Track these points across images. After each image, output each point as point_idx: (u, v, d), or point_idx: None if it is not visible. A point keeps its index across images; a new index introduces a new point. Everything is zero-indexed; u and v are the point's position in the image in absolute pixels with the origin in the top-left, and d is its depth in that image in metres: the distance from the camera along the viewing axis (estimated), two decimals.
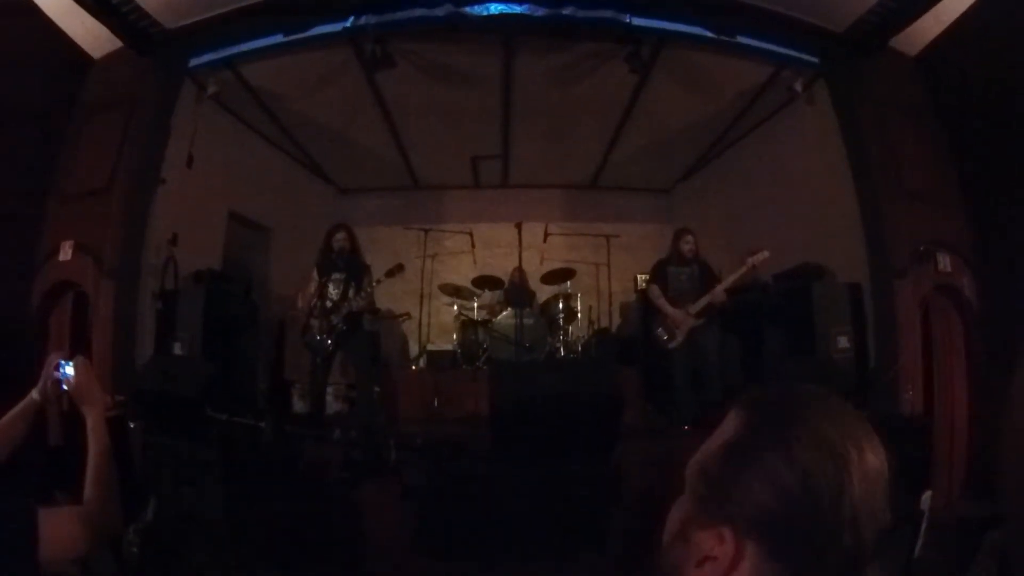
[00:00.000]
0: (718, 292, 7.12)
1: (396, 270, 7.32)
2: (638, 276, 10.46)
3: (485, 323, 9.53)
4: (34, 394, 2.51)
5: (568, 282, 10.08)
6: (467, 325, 9.70)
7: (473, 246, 10.79)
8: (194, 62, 7.44)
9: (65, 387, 2.48)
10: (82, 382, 2.47)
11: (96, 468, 2.32)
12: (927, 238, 6.78)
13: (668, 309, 7.30)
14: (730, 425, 1.18)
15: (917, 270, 6.71)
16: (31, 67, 6.60)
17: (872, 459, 1.09)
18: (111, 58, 7.27)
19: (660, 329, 7.38)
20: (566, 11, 6.81)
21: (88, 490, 2.28)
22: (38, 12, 6.43)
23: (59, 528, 2.12)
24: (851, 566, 1.06)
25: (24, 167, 6.85)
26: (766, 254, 7.14)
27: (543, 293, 10.34)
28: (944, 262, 6.78)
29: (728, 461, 1.13)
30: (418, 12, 6.88)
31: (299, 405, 8.22)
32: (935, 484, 5.47)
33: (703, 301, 7.17)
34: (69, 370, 2.48)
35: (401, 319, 10.46)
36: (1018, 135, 6.11)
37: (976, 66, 6.57)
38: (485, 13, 6.83)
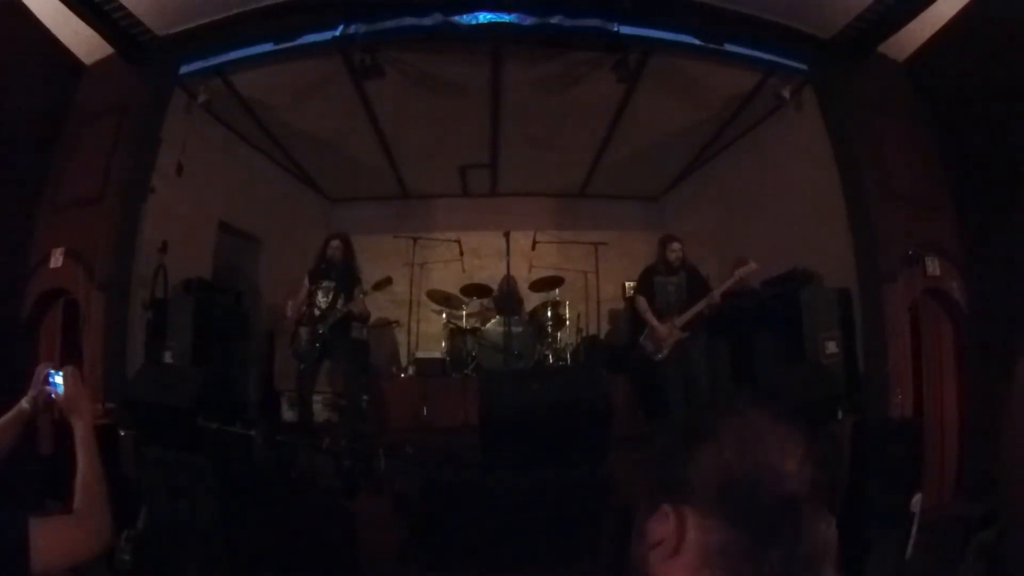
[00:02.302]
0: (704, 305, 7.15)
1: (384, 283, 7.35)
2: (626, 283, 10.44)
3: (474, 331, 9.53)
4: (24, 403, 2.51)
5: (557, 290, 10.08)
6: (456, 333, 9.70)
7: (462, 254, 10.77)
8: (184, 70, 7.43)
9: (54, 397, 2.48)
10: (71, 392, 2.46)
11: (85, 478, 2.31)
12: (916, 242, 6.81)
13: (654, 322, 7.31)
14: (663, 441, 1.25)
15: (906, 274, 6.74)
16: (23, 73, 6.60)
17: (787, 431, 1.12)
18: (103, 65, 7.26)
19: (647, 342, 7.39)
20: (554, 20, 6.83)
21: (78, 500, 2.26)
22: (30, 17, 6.42)
23: (50, 537, 2.11)
24: (797, 515, 1.07)
25: (15, 174, 6.83)
26: (754, 266, 7.16)
27: (532, 301, 10.33)
28: (933, 266, 6.81)
29: (662, 461, 1.19)
30: (407, 21, 6.88)
31: (289, 414, 8.21)
32: (925, 486, 5.49)
33: (688, 315, 7.18)
34: (58, 380, 2.48)
35: (392, 326, 10.47)
36: (1007, 138, 6.15)
37: (965, 70, 6.61)
38: (474, 22, 6.85)
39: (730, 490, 1.08)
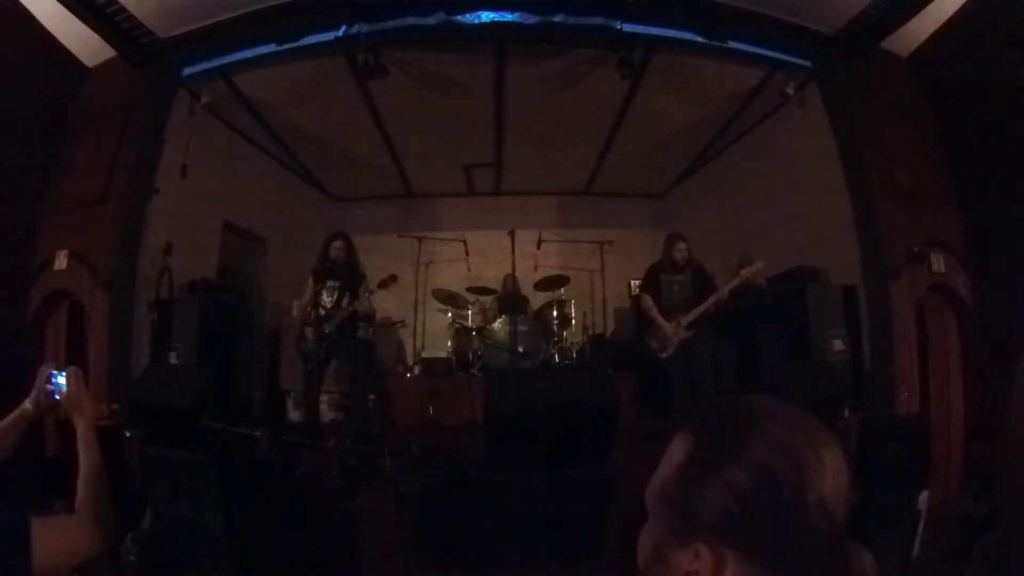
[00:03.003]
0: (710, 304, 7.14)
1: (389, 281, 7.35)
2: (632, 282, 10.43)
3: (479, 330, 9.51)
4: (27, 404, 2.52)
5: (562, 288, 10.07)
6: (461, 332, 9.70)
7: (467, 254, 10.83)
8: (187, 71, 7.44)
9: (57, 397, 2.49)
10: (73, 392, 2.47)
11: (87, 478, 2.32)
12: (921, 239, 6.80)
13: (660, 321, 7.31)
14: (680, 447, 1.20)
15: (911, 271, 6.72)
16: (27, 76, 6.61)
17: (825, 449, 1.10)
18: (106, 67, 7.29)
19: (652, 340, 7.38)
20: (557, 18, 6.83)
21: (79, 500, 2.27)
22: (33, 21, 6.44)
23: (52, 538, 2.12)
24: (828, 543, 1.07)
25: (19, 176, 6.85)
26: (760, 265, 7.15)
27: (537, 300, 10.32)
28: (938, 262, 6.80)
29: (686, 481, 1.15)
30: (410, 21, 6.89)
31: (295, 414, 8.21)
32: (931, 484, 5.47)
33: (694, 314, 7.18)
34: (61, 380, 2.49)
35: (397, 326, 10.48)
36: (1011, 134, 6.13)
37: (969, 66, 6.58)
38: (477, 21, 6.85)
39: (776, 540, 1.07)
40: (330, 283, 7.26)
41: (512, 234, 9.35)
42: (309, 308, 7.22)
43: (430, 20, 6.86)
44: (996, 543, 2.93)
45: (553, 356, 9.49)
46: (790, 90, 7.65)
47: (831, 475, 1.08)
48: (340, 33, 7.02)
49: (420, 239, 10.39)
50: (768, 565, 1.06)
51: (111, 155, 7.05)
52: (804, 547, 1.05)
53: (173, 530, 4.83)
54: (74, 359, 6.55)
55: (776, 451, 1.08)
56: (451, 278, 10.80)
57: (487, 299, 10.30)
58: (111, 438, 5.26)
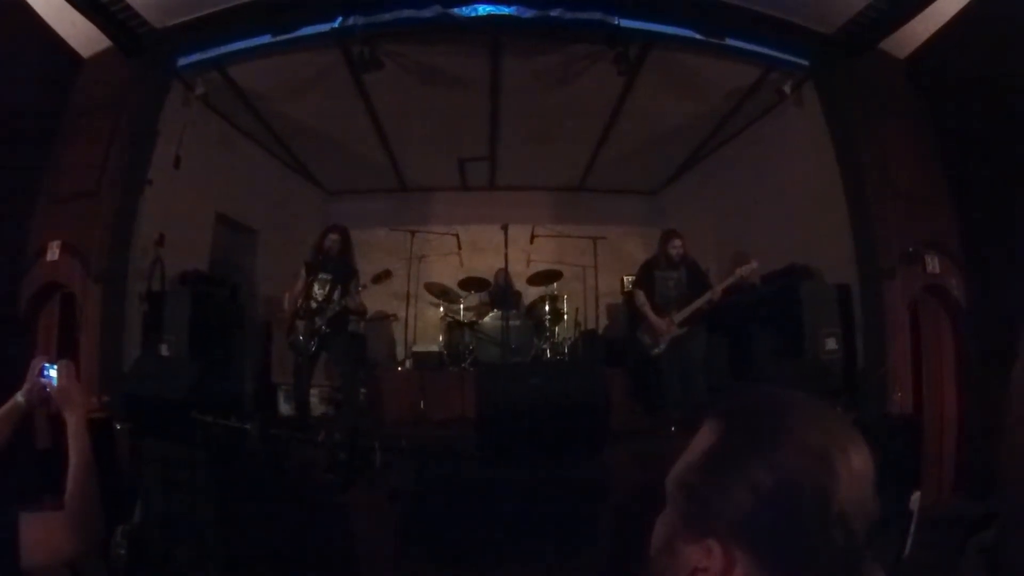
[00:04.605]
0: (703, 302, 7.14)
1: (383, 276, 7.32)
2: (625, 278, 10.45)
3: (471, 325, 9.51)
4: (18, 397, 2.49)
5: (555, 284, 10.06)
6: (453, 327, 9.68)
7: (460, 248, 10.81)
8: (182, 62, 7.41)
9: (48, 390, 2.47)
10: (64, 385, 2.46)
11: (77, 471, 2.30)
12: (916, 239, 6.80)
13: (652, 317, 7.32)
14: (707, 436, 1.15)
15: (906, 271, 6.72)
16: (21, 66, 6.57)
17: (856, 456, 1.07)
18: (100, 58, 7.23)
19: (644, 336, 7.39)
20: (554, 12, 6.81)
21: (68, 496, 2.25)
22: (28, 10, 6.39)
23: (41, 533, 2.11)
24: (845, 561, 1.04)
25: (12, 167, 6.80)
26: (755, 265, 7.17)
27: (530, 295, 10.34)
28: (933, 263, 6.79)
29: (709, 473, 1.11)
30: (406, 13, 6.87)
31: (285, 407, 8.19)
32: (924, 484, 5.48)
33: (687, 311, 7.19)
34: (53, 373, 2.47)
35: (389, 320, 10.47)
36: (1008, 135, 6.13)
37: (966, 69, 6.58)
38: (473, 14, 6.83)
39: (792, 549, 1.04)
40: (322, 276, 7.24)
41: (505, 228, 9.31)
42: (300, 300, 7.20)
43: (426, 13, 6.84)
44: (990, 541, 2.93)
45: (545, 351, 9.48)
46: (787, 89, 7.66)
47: (857, 488, 1.05)
48: (336, 25, 6.99)
49: (413, 233, 10.35)
50: (778, 572, 1.04)
51: (104, 146, 7.00)
52: (819, 561, 1.03)
53: (163, 524, 4.82)
54: (66, 351, 6.52)
55: (807, 456, 1.04)
56: (444, 272, 10.79)
57: (480, 293, 10.28)
58: (102, 431, 5.24)
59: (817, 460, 1.04)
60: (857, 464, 1.06)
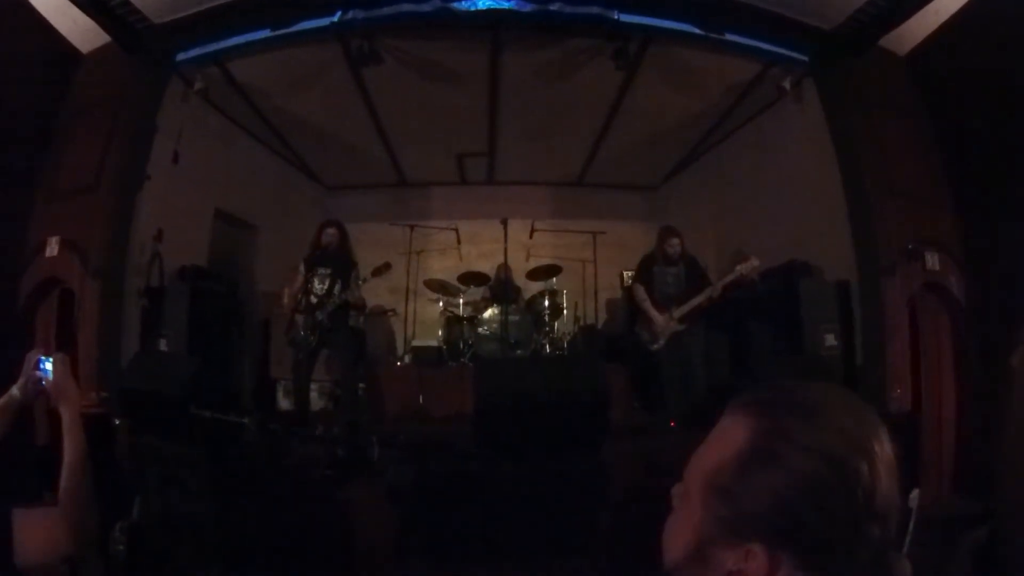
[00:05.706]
0: (703, 298, 7.13)
1: (383, 269, 7.29)
2: (624, 273, 10.44)
3: (471, 319, 9.50)
4: (14, 390, 2.48)
5: (554, 278, 10.06)
6: (452, 321, 9.67)
7: (459, 243, 10.85)
8: (181, 57, 7.39)
9: (44, 384, 2.46)
10: (59, 379, 2.44)
11: (71, 468, 2.29)
12: (915, 236, 6.78)
13: (652, 312, 7.31)
14: (737, 433, 1.10)
15: (905, 268, 6.70)
16: (20, 62, 6.56)
17: (888, 446, 1.05)
18: (99, 53, 7.22)
19: (643, 331, 7.38)
20: (553, 7, 6.79)
21: (62, 491, 2.25)
22: (28, 6, 6.38)
23: (35, 529, 2.10)
24: (878, 554, 1.03)
25: (11, 163, 6.80)
26: (756, 263, 7.14)
27: (529, 289, 10.33)
28: (932, 260, 6.78)
29: (745, 470, 1.06)
30: (406, 7, 6.85)
31: (284, 402, 8.19)
32: (923, 482, 5.47)
33: (687, 307, 7.18)
34: (48, 366, 2.46)
35: (388, 314, 10.47)
36: (1008, 133, 6.13)
37: (966, 66, 6.57)
38: (473, 8, 6.82)
39: (836, 542, 1.02)
40: (321, 270, 7.22)
41: (505, 223, 9.30)
42: (299, 295, 7.19)
43: (425, 7, 6.83)
44: (982, 539, 2.93)
45: (544, 346, 9.48)
46: (787, 85, 7.64)
47: (890, 480, 1.03)
48: (335, 19, 6.97)
49: (412, 227, 10.34)
50: (820, 572, 1.02)
51: (103, 142, 6.99)
52: (858, 556, 1.02)
53: (162, 520, 4.81)
54: (65, 347, 6.51)
55: (853, 451, 1.02)
56: (443, 267, 10.79)
57: (479, 288, 10.28)
58: (101, 426, 5.24)
59: (859, 454, 1.02)
60: (889, 454, 1.05)
